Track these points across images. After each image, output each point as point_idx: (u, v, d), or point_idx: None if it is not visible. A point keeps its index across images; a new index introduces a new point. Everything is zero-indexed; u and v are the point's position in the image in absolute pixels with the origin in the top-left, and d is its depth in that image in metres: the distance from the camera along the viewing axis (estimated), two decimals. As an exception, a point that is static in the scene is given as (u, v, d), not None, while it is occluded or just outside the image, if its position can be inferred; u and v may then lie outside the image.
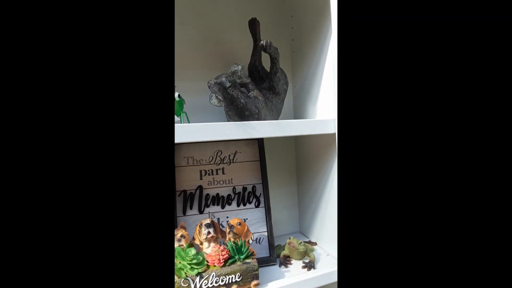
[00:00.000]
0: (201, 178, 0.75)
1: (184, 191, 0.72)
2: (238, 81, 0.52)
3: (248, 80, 0.52)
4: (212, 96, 0.50)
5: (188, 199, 0.72)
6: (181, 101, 0.59)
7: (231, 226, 0.61)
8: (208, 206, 0.74)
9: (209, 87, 0.50)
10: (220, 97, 0.49)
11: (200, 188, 0.73)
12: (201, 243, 0.62)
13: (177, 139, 0.50)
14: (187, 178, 0.73)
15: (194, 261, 0.55)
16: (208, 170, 0.75)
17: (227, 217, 0.75)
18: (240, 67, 0.50)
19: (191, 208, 0.73)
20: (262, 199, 0.77)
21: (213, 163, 0.76)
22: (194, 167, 0.75)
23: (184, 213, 0.72)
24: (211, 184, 0.75)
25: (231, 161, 0.77)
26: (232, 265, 0.57)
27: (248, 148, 0.79)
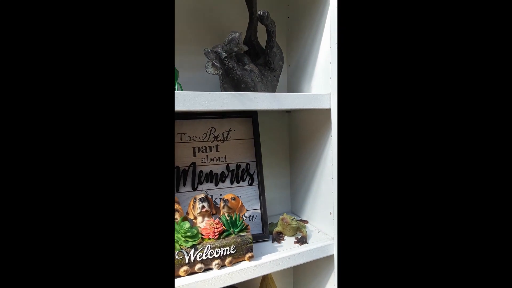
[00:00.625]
0: (194, 155, 0.74)
1: (177, 168, 0.71)
2: (235, 49, 0.50)
3: (246, 48, 0.51)
4: (208, 64, 0.49)
5: (181, 175, 0.71)
6: (176, 72, 0.57)
7: (225, 200, 0.61)
8: (201, 183, 0.73)
9: (205, 54, 0.48)
10: (217, 64, 0.47)
11: (194, 165, 0.73)
12: (195, 218, 0.61)
13: (178, 106, 0.49)
14: (180, 155, 0.72)
15: (189, 234, 0.55)
16: (202, 147, 0.74)
17: (221, 194, 0.74)
18: (237, 34, 0.49)
19: (184, 185, 0.72)
20: (255, 177, 0.77)
21: (207, 140, 0.75)
22: (187, 144, 0.73)
23: (178, 189, 0.71)
24: (204, 161, 0.74)
25: (225, 138, 0.77)
26: (227, 238, 0.57)
27: (242, 126, 0.78)
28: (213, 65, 0.49)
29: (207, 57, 0.48)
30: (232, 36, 0.49)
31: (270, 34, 0.64)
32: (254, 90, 0.60)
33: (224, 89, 0.59)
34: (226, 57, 0.55)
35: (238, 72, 0.57)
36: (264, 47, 0.68)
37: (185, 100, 0.50)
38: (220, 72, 0.49)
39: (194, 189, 0.73)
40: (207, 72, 0.50)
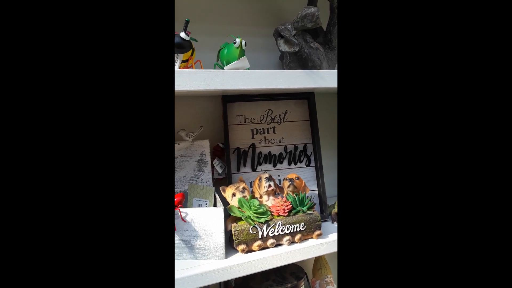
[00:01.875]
0: (252, 137, 0.75)
1: (238, 149, 0.73)
2: (309, 25, 0.50)
3: (321, 24, 0.50)
4: (280, 42, 0.49)
5: (242, 156, 0.73)
6: (222, 52, 0.57)
7: (291, 180, 0.62)
8: (260, 164, 0.74)
9: (280, 31, 0.48)
10: (294, 40, 0.47)
11: (253, 146, 0.74)
12: (261, 196, 0.63)
13: (251, 85, 0.50)
14: (240, 136, 0.74)
15: (260, 210, 0.56)
16: (260, 129, 0.75)
17: (279, 175, 0.75)
18: (315, 8, 0.48)
19: (244, 166, 0.73)
20: (312, 159, 0.77)
21: (264, 122, 0.76)
22: (245, 126, 0.75)
23: (238, 170, 0.73)
24: (262, 143, 0.75)
25: (282, 120, 0.77)
26: (296, 215, 0.58)
27: (298, 107, 0.78)
28: (288, 41, 0.48)
29: (282, 34, 0.48)
30: (308, 11, 0.48)
31: (333, 10, 0.62)
32: (320, 68, 0.60)
33: (290, 68, 0.59)
34: (295, 34, 0.54)
35: (306, 50, 0.56)
36: (327, 25, 0.66)
37: (260, 78, 0.50)
38: (296, 49, 0.49)
39: (254, 169, 0.74)
40: (280, 49, 0.50)
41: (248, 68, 0.54)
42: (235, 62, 0.51)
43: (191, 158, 0.66)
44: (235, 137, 0.73)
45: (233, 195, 0.59)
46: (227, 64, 0.55)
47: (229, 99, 0.73)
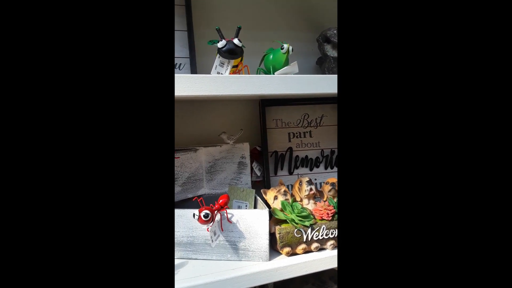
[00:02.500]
0: (289, 141, 0.75)
1: (276, 152, 0.73)
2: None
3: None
4: (328, 47, 0.49)
5: (279, 160, 0.74)
6: (268, 58, 0.58)
7: (333, 184, 0.62)
8: (297, 168, 0.75)
9: (329, 36, 0.49)
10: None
11: (290, 150, 0.74)
12: (301, 200, 0.63)
13: (295, 90, 0.50)
14: (277, 140, 0.74)
15: (303, 213, 0.56)
16: (296, 133, 0.76)
17: (315, 179, 0.75)
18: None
19: (281, 169, 0.74)
20: (348, 163, 0.76)
21: (301, 126, 0.76)
22: (283, 129, 0.75)
23: (276, 173, 0.73)
24: (299, 147, 0.76)
25: (318, 124, 0.77)
26: (339, 220, 0.58)
27: (334, 111, 0.78)
28: (336, 46, 0.49)
29: (330, 39, 0.49)
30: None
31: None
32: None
33: (333, 72, 0.60)
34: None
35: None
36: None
37: (312, 83, 0.51)
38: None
39: (291, 173, 0.74)
40: (328, 54, 0.50)
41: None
42: (286, 67, 0.52)
43: (231, 161, 0.67)
44: (272, 141, 0.74)
45: (275, 197, 0.60)
46: (273, 69, 0.56)
47: (267, 103, 0.74)
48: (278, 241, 0.55)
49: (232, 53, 0.49)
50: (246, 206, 0.65)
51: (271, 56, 0.58)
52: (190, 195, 0.63)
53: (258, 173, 0.71)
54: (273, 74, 0.56)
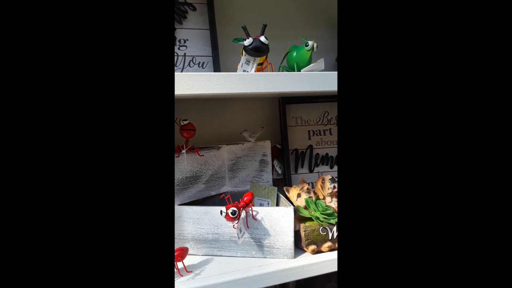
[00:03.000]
0: (309, 138, 0.75)
1: (296, 150, 0.73)
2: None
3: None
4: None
5: (300, 157, 0.73)
6: (296, 54, 0.58)
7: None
8: (317, 165, 0.75)
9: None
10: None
11: (310, 147, 0.74)
12: (324, 197, 0.63)
13: (326, 87, 0.50)
14: (297, 138, 0.74)
15: (328, 211, 0.56)
16: (316, 131, 0.75)
17: (336, 177, 0.75)
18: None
19: (302, 167, 0.74)
20: (369, 161, 0.76)
21: (321, 124, 0.76)
22: (302, 127, 0.75)
23: (296, 171, 0.73)
24: (319, 144, 0.75)
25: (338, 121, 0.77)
26: (364, 218, 0.57)
27: (354, 109, 0.77)
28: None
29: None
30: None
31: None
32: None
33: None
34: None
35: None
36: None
37: (330, 80, 0.51)
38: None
39: (311, 171, 0.74)
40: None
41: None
42: (312, 64, 0.52)
43: (253, 158, 0.67)
44: (292, 138, 0.74)
45: (298, 195, 0.60)
46: (297, 67, 0.56)
47: (287, 101, 0.74)
48: (304, 239, 0.55)
49: (258, 50, 0.49)
50: (268, 203, 0.65)
51: (295, 54, 0.57)
52: (213, 193, 0.64)
53: (279, 171, 0.71)
54: (297, 71, 0.55)
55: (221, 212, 0.50)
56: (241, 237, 0.53)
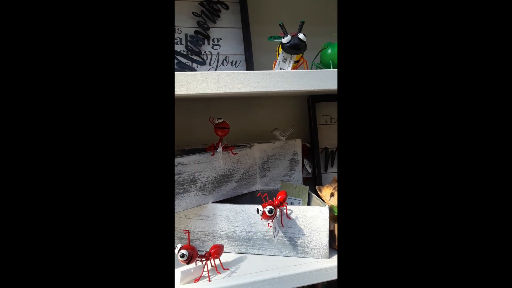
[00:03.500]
0: (339, 137, 0.74)
1: (326, 149, 0.73)
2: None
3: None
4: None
5: (330, 156, 0.73)
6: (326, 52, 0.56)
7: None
8: (347, 165, 0.74)
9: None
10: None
11: (340, 146, 0.73)
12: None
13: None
14: (327, 136, 0.73)
15: (363, 211, 0.55)
16: (346, 129, 0.74)
17: (366, 177, 0.74)
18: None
19: (332, 166, 0.73)
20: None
21: (351, 122, 0.75)
22: (332, 126, 0.74)
23: (326, 170, 0.73)
24: (349, 143, 0.74)
25: (369, 120, 0.75)
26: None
27: (385, 107, 0.76)
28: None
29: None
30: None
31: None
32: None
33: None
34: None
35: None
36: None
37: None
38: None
39: (341, 170, 0.73)
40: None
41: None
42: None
43: (284, 157, 0.67)
44: (322, 137, 0.73)
45: (332, 195, 0.59)
46: (333, 64, 0.55)
47: (316, 99, 0.73)
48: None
49: (296, 48, 0.49)
50: (299, 202, 0.64)
51: (329, 51, 0.57)
52: (244, 191, 0.64)
53: (310, 170, 0.71)
54: (334, 68, 0.55)
55: (257, 210, 0.50)
56: (276, 235, 0.53)
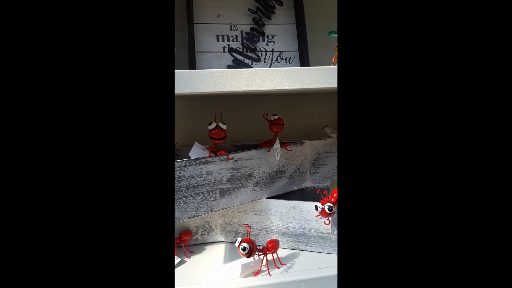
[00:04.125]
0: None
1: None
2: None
3: None
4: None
5: (380, 155, 0.71)
6: None
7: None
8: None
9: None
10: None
11: (391, 145, 0.71)
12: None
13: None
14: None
15: (422, 212, 0.54)
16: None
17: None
18: None
19: (382, 165, 0.71)
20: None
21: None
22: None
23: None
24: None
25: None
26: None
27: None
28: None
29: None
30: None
31: None
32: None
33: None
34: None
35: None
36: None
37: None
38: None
39: (391, 169, 0.72)
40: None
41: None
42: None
43: (334, 154, 0.66)
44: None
45: (387, 194, 0.58)
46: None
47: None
48: (396, 239, 0.53)
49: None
50: (349, 201, 0.64)
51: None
52: (295, 188, 0.64)
53: (359, 168, 0.70)
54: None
55: (316, 207, 0.50)
56: (333, 233, 0.52)
